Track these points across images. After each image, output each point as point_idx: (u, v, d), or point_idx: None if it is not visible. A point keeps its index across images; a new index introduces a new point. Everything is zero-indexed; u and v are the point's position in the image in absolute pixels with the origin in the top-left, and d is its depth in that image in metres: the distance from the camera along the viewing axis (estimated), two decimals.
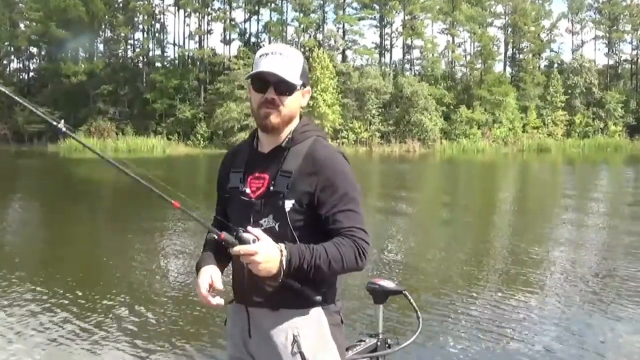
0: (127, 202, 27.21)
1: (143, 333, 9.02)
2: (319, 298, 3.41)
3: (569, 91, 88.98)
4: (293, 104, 3.47)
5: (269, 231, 3.31)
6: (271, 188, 3.43)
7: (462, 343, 8.49)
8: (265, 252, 3.11)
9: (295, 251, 3.20)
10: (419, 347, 7.91)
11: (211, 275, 3.41)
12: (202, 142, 77.44)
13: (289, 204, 3.38)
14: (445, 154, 72.74)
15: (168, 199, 3.31)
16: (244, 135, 71.19)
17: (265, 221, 3.42)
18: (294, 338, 3.40)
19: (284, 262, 3.15)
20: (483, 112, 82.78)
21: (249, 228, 3.18)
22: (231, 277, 3.62)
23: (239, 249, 3.11)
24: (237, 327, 3.61)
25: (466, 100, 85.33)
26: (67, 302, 10.30)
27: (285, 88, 3.40)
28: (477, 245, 16.13)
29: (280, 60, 3.40)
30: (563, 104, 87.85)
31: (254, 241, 3.11)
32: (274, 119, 3.42)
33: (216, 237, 3.19)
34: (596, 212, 22.23)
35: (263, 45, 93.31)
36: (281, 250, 3.16)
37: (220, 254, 3.55)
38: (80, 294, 10.91)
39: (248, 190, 3.53)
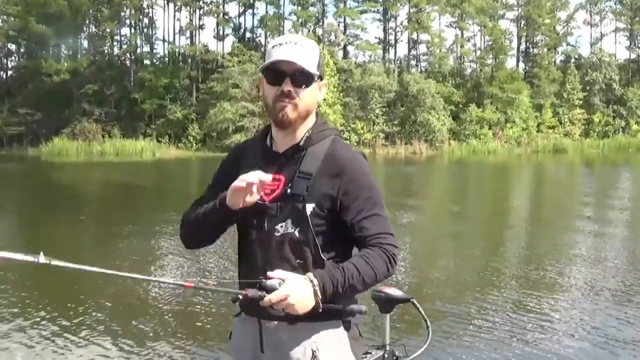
0: (113, 206, 27.32)
1: (131, 341, 9.10)
2: (338, 311, 3.34)
3: (587, 88, 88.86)
4: (310, 97, 3.43)
5: (287, 238, 3.34)
6: (288, 191, 3.38)
7: (473, 354, 8.54)
8: (297, 291, 3.07)
9: (327, 277, 3.16)
10: (428, 359, 7.95)
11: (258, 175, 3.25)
12: (194, 144, 77.25)
13: (309, 208, 3.34)
14: (454, 155, 72.64)
15: (182, 283, 3.18)
16: (239, 137, 71.78)
17: (281, 226, 3.37)
18: (312, 353, 3.37)
19: (318, 293, 3.11)
20: (494, 111, 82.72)
21: (270, 273, 3.12)
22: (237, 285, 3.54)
23: (269, 298, 3.05)
24: (246, 342, 3.54)
25: (476, 98, 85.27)
26: (52, 312, 10.34)
27: (302, 79, 3.37)
28: (489, 253, 16.14)
29: (296, 49, 3.36)
30: (581, 102, 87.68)
31: (280, 284, 3.06)
32: (291, 113, 3.37)
33: (241, 297, 3.10)
34: (618, 218, 22.20)
35: (259, 41, 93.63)
36: (311, 281, 3.12)
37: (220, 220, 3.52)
38: (65, 303, 10.95)
39: (262, 193, 3.43)
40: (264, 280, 3.08)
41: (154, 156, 69.48)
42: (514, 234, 19.69)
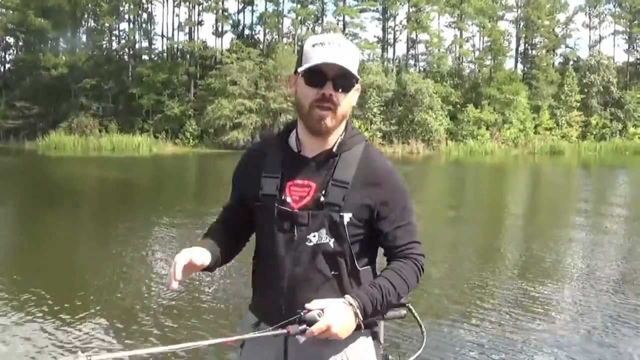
0: (111, 202, 27.29)
1: (130, 341, 9.08)
2: (366, 320, 3.22)
3: (585, 90, 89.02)
4: (348, 103, 3.29)
5: (321, 248, 3.24)
6: (322, 199, 3.24)
7: (469, 359, 8.52)
8: (338, 320, 3.01)
9: (366, 298, 3.11)
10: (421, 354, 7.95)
11: (193, 256, 3.18)
12: (191, 140, 77.14)
13: (346, 217, 3.22)
14: (451, 155, 72.60)
15: (223, 340, 3.00)
16: (236, 134, 71.83)
17: (314, 236, 3.25)
18: None
19: (359, 315, 3.07)
20: (492, 112, 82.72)
21: (307, 305, 3.02)
22: (253, 294, 3.54)
23: (310, 331, 2.97)
24: (266, 353, 3.35)
25: (474, 98, 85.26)
26: (47, 309, 10.32)
27: (344, 83, 3.22)
28: (486, 256, 16.13)
29: (340, 51, 3.20)
30: (578, 104, 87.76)
31: (319, 315, 2.98)
32: (330, 121, 3.24)
33: (284, 334, 3.02)
34: (615, 221, 22.17)
35: (258, 38, 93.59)
36: (351, 305, 3.06)
37: (232, 244, 3.51)
38: (61, 300, 10.92)
39: (289, 200, 3.31)
40: (302, 313, 3.00)
41: (151, 152, 69.37)
42: (510, 235, 19.68)
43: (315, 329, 2.96)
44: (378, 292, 3.13)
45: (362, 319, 3.08)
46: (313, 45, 3.24)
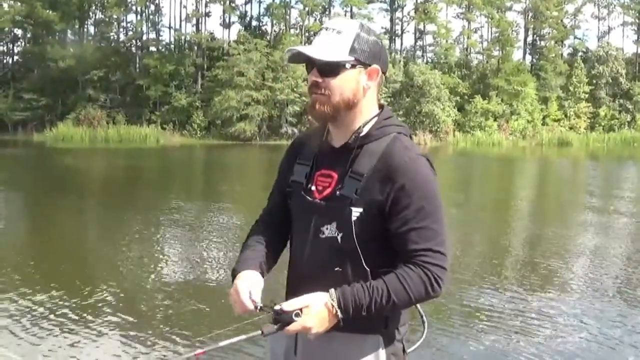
0: (118, 192, 27.35)
1: (139, 328, 9.20)
2: (379, 323, 3.20)
3: (594, 81, 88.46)
4: (345, 86, 3.17)
5: (329, 242, 3.20)
6: (337, 192, 3.20)
7: (470, 349, 8.57)
8: (316, 321, 2.97)
9: (350, 297, 3.00)
10: (423, 354, 8.01)
11: (251, 285, 3.19)
12: (198, 132, 76.86)
13: (356, 212, 3.13)
14: (459, 146, 72.47)
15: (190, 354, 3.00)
16: (243, 126, 71.73)
17: (327, 228, 3.22)
18: None
19: (339, 313, 2.98)
20: (500, 103, 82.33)
21: (284, 304, 3.01)
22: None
23: (287, 329, 2.97)
24: (281, 341, 3.41)
25: (482, 90, 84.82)
26: (58, 296, 10.43)
27: (328, 68, 3.16)
28: (491, 246, 16.16)
29: (323, 36, 3.18)
30: (587, 95, 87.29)
31: (296, 315, 2.95)
32: (319, 107, 3.20)
33: (259, 336, 3.01)
34: (624, 213, 22.16)
35: (265, 29, 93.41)
36: (332, 302, 2.99)
37: (269, 258, 3.45)
38: (72, 288, 11.05)
39: (313, 189, 3.31)
40: (279, 310, 2.98)
41: (158, 143, 69.23)
42: (517, 227, 19.66)
43: (291, 328, 2.96)
44: (366, 293, 3.00)
45: (341, 316, 2.99)
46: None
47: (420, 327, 3.75)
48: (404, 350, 3.35)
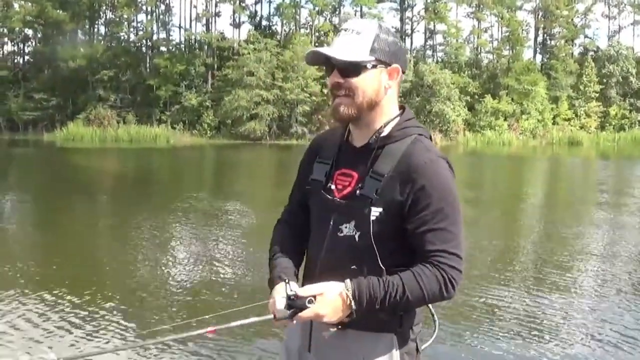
0: (128, 192, 27.40)
1: (151, 311, 9.46)
2: (393, 322, 3.21)
3: (604, 81, 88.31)
4: (366, 86, 3.19)
5: (347, 240, 3.20)
6: (357, 192, 3.21)
7: (483, 348, 8.57)
8: (328, 309, 2.98)
9: (365, 289, 3.00)
10: (435, 352, 7.99)
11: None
12: (208, 131, 77.04)
13: (375, 212, 3.14)
14: (469, 146, 72.37)
15: (203, 331, 3.08)
16: (253, 125, 71.83)
17: (346, 227, 3.23)
18: None
19: (352, 304, 2.99)
20: (510, 103, 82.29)
21: (299, 290, 3.03)
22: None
23: (299, 316, 2.98)
24: (295, 337, 3.45)
25: (492, 89, 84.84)
26: (63, 295, 10.43)
27: (349, 68, 3.17)
28: (501, 245, 16.12)
29: (343, 37, 3.19)
30: (597, 95, 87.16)
31: (310, 302, 2.96)
32: (343, 109, 3.20)
33: (271, 319, 3.03)
34: (635, 211, 22.09)
35: (275, 29, 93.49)
36: (347, 292, 3.00)
37: (298, 263, 3.47)
38: (79, 287, 11.05)
39: (333, 187, 3.32)
40: (293, 297, 2.98)
41: (168, 143, 69.33)
42: (528, 226, 19.63)
43: (303, 315, 2.97)
44: (381, 287, 3.01)
45: (355, 307, 2.99)
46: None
47: (431, 325, 3.73)
48: (417, 349, 3.35)
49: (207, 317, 3.28)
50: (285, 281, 3.11)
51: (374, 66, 3.19)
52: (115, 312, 9.42)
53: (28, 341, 8.46)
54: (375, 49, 3.18)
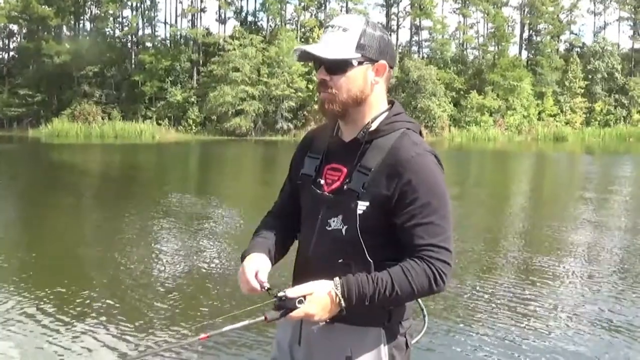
0: (113, 188, 27.31)
1: (142, 316, 9.20)
2: (382, 316, 3.20)
3: (589, 76, 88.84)
4: (352, 83, 3.17)
5: (334, 234, 3.20)
6: (345, 186, 3.20)
7: (471, 343, 8.52)
8: (317, 308, 2.95)
9: (354, 286, 2.97)
10: (424, 348, 7.98)
11: (258, 266, 3.22)
12: (194, 127, 77.24)
13: (362, 206, 3.14)
14: (454, 142, 72.59)
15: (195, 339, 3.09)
16: (238, 121, 71.87)
17: (334, 221, 3.23)
18: (346, 359, 3.22)
19: (342, 302, 2.96)
20: (495, 98, 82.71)
21: (288, 290, 2.96)
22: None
23: (290, 316, 2.95)
24: (286, 331, 3.45)
25: (478, 85, 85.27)
26: (51, 294, 10.35)
27: (334, 66, 3.16)
28: (488, 240, 16.09)
29: (330, 35, 3.17)
30: (582, 90, 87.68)
31: (300, 302, 2.93)
32: (328, 105, 3.20)
33: (262, 322, 2.97)
34: (619, 207, 22.17)
35: (260, 24, 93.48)
36: (336, 291, 2.96)
37: (278, 246, 3.46)
38: (64, 285, 10.98)
39: (322, 182, 3.32)
40: (283, 297, 2.94)
41: (154, 139, 69.33)
42: (515, 221, 19.63)
43: (294, 315, 2.94)
44: (370, 283, 2.98)
45: (344, 305, 2.96)
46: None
47: (421, 320, 3.70)
48: (407, 344, 3.34)
49: (201, 324, 3.25)
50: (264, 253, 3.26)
51: (360, 63, 3.17)
52: (101, 322, 9.10)
53: (12, 341, 8.41)
54: (362, 45, 3.15)
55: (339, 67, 3.14)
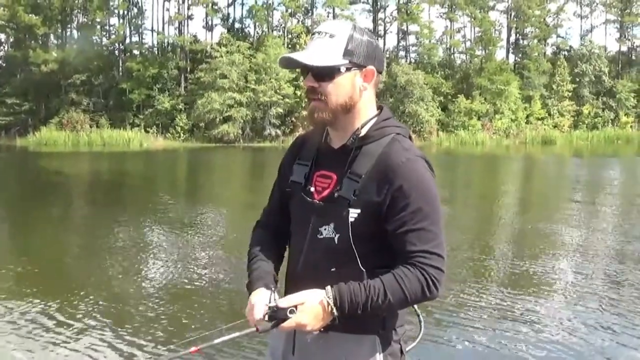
0: (101, 196, 27.27)
1: (133, 328, 9.18)
2: (376, 324, 3.16)
3: (577, 80, 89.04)
4: (339, 90, 3.13)
5: (326, 243, 3.16)
6: (336, 194, 3.16)
7: (467, 348, 8.56)
8: (309, 317, 2.94)
9: (346, 295, 2.96)
10: (420, 353, 7.97)
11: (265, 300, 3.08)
12: (182, 134, 77.07)
13: (353, 214, 3.10)
14: (443, 146, 72.70)
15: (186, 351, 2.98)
16: (226, 128, 71.88)
17: (325, 229, 3.19)
18: None
19: (334, 311, 2.94)
20: (483, 102, 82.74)
21: (279, 300, 2.97)
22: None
23: (282, 327, 2.94)
24: (280, 341, 3.38)
25: (465, 89, 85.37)
26: (35, 305, 10.29)
27: (324, 72, 3.11)
28: (479, 245, 16.07)
29: (316, 41, 3.13)
30: (570, 94, 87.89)
31: (291, 312, 2.92)
32: (318, 114, 3.16)
33: (253, 333, 2.98)
34: (607, 211, 22.19)
35: (248, 31, 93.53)
36: (328, 300, 2.95)
37: (277, 267, 3.41)
38: (60, 290, 10.97)
39: (312, 189, 3.27)
40: (274, 308, 2.94)
41: (142, 146, 69.22)
42: (504, 225, 19.62)
43: (285, 326, 2.93)
44: (362, 291, 2.95)
45: (336, 314, 2.95)
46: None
47: (416, 326, 3.69)
48: (401, 351, 3.30)
49: (192, 338, 3.20)
50: (271, 290, 3.09)
51: (348, 69, 3.13)
52: (88, 334, 9.03)
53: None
54: (349, 51, 3.12)
55: (327, 73, 3.10)
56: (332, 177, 3.23)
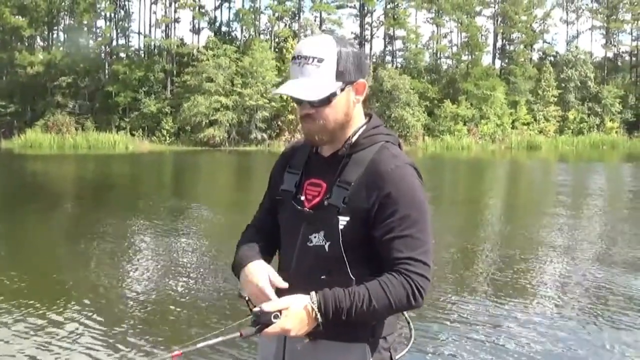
0: (87, 199, 27.19)
1: (115, 332, 9.17)
2: (365, 332, 3.15)
3: (563, 85, 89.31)
4: (337, 110, 3.15)
5: (316, 250, 3.16)
6: (325, 202, 3.17)
7: (457, 354, 8.56)
8: (293, 322, 2.92)
9: (330, 301, 2.95)
10: None
11: (269, 273, 3.15)
12: (168, 138, 76.91)
13: (342, 221, 3.10)
14: (428, 151, 72.63)
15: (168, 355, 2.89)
16: (212, 131, 71.85)
17: (315, 237, 3.18)
18: None
19: (318, 316, 2.94)
20: (469, 107, 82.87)
21: (264, 305, 2.93)
22: None
23: (265, 332, 2.91)
24: (270, 348, 3.37)
25: (451, 94, 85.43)
26: (18, 309, 10.25)
27: (320, 101, 3.09)
28: (465, 250, 16.11)
29: (306, 69, 3.07)
30: (556, 99, 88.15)
31: (275, 317, 2.90)
32: (319, 136, 3.18)
33: (237, 337, 2.93)
34: (591, 215, 22.36)
35: (234, 35, 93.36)
36: (312, 305, 2.94)
37: (266, 253, 3.38)
38: (45, 294, 10.94)
39: (303, 198, 3.28)
40: (259, 312, 2.91)
41: (127, 149, 69.05)
42: (490, 231, 19.64)
43: (269, 331, 2.91)
44: (347, 297, 2.95)
45: (320, 320, 2.94)
46: (292, 60, 3.16)
47: (406, 334, 3.68)
48: (392, 359, 3.29)
49: (175, 341, 3.19)
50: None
51: (342, 89, 3.13)
52: (70, 338, 9.01)
53: None
54: (341, 72, 3.11)
55: (324, 101, 3.09)
56: (322, 185, 3.23)
